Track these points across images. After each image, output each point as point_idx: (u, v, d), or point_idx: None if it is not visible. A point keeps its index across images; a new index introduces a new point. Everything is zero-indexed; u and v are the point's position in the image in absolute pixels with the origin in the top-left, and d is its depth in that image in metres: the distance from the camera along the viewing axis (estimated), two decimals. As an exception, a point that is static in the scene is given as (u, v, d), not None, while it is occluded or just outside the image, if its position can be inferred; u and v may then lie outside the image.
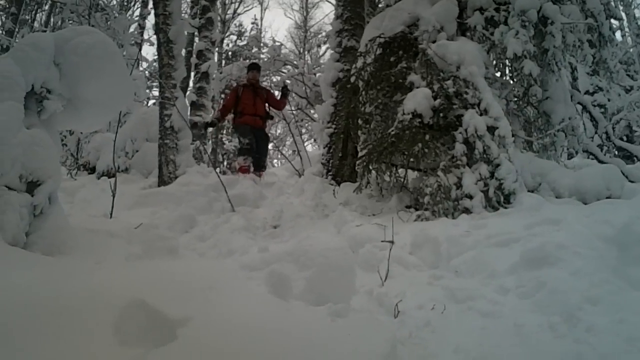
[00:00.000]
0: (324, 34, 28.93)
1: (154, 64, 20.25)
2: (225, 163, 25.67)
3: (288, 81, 13.63)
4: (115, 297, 1.98)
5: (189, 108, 10.87)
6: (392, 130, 5.91)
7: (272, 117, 10.22)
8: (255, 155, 9.22)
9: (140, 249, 3.93)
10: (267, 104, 9.77)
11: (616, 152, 10.76)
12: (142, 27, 20.98)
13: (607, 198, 5.45)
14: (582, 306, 2.63)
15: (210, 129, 12.59)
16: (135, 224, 5.03)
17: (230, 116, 9.87)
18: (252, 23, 36.96)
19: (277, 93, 11.55)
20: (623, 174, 6.06)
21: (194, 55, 12.30)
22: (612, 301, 2.65)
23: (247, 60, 23.03)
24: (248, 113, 9.32)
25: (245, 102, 9.34)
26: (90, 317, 1.83)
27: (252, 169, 9.17)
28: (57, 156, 3.88)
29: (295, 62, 16.97)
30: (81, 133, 13.56)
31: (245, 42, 33.10)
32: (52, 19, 20.47)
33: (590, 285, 2.81)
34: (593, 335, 2.41)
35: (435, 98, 5.82)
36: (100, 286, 2.13)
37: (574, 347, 2.35)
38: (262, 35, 34.39)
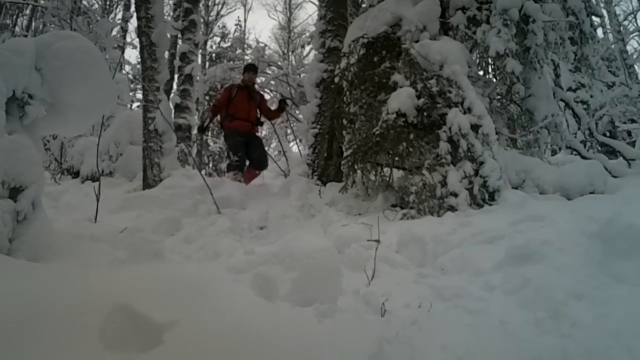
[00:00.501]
0: (307, 34, 28.94)
1: (137, 66, 20.21)
2: (210, 165, 25.64)
3: (288, 99, 13.51)
4: (100, 302, 1.97)
5: (173, 110, 10.83)
6: (377, 130, 5.93)
7: (262, 124, 9.61)
8: (253, 156, 8.74)
9: (125, 253, 3.91)
10: (258, 110, 9.10)
11: (599, 148, 10.84)
12: (124, 30, 20.90)
13: (590, 193, 5.50)
14: (567, 302, 2.64)
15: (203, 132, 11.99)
16: (120, 227, 5.02)
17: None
18: (236, 24, 36.97)
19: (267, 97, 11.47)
20: (606, 170, 6.12)
21: (177, 58, 12.24)
22: (596, 296, 2.67)
23: (231, 62, 23.01)
24: (240, 117, 8.62)
25: (238, 105, 8.64)
26: (75, 323, 1.81)
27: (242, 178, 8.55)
28: (40, 161, 3.85)
29: (279, 63, 16.95)
30: (65, 137, 13.49)
31: (229, 44, 33.07)
32: (33, 24, 20.34)
33: (575, 281, 2.83)
34: (578, 330, 2.42)
35: (419, 97, 5.84)
36: (84, 291, 2.12)
37: (559, 342, 2.37)
38: (245, 36, 34.39)
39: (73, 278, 2.56)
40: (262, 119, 9.34)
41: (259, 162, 8.81)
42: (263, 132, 20.35)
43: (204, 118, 9.11)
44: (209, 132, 26.77)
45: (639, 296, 2.61)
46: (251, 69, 9.24)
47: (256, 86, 9.71)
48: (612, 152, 9.08)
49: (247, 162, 8.80)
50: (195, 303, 2.09)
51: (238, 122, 8.61)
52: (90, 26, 16.33)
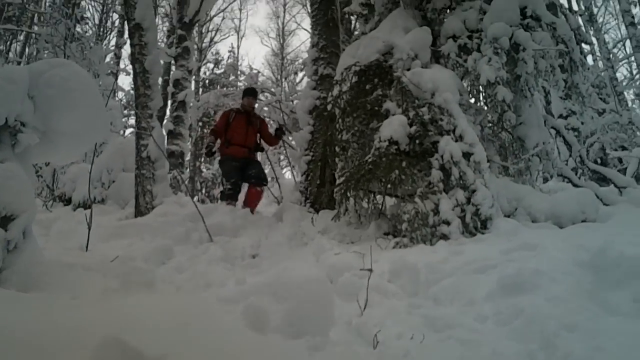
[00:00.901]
0: (300, 61, 29.19)
1: (131, 92, 20.27)
2: (203, 191, 25.62)
3: (284, 124, 13.44)
4: (90, 334, 1.95)
5: (166, 137, 10.85)
6: (369, 158, 5.95)
7: (262, 149, 9.05)
8: (251, 173, 8.21)
9: (116, 282, 3.88)
10: (258, 135, 8.68)
11: (591, 175, 10.90)
12: (118, 57, 21.04)
13: (582, 222, 5.52)
14: (559, 333, 2.63)
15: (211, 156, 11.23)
16: (111, 256, 4.98)
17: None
18: (229, 51, 37.23)
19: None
20: (597, 197, 6.14)
21: (171, 84, 12.30)
22: (588, 328, 2.66)
23: (225, 88, 23.05)
24: (236, 143, 8.25)
25: (235, 130, 8.28)
26: (65, 356, 1.79)
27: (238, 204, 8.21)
28: (31, 190, 3.84)
29: (272, 89, 17.03)
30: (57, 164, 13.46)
31: (222, 70, 33.26)
32: (27, 50, 20.45)
33: (567, 312, 2.82)
34: (570, 363, 2.42)
35: (411, 125, 5.87)
36: (75, 323, 2.10)
37: (552, 375, 2.36)
38: (239, 63, 34.60)
39: (63, 309, 2.54)
40: (262, 144, 8.91)
41: (258, 176, 8.31)
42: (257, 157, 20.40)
43: (208, 142, 8.51)
44: (201, 158, 26.74)
45: (631, 328, 2.61)
46: (250, 94, 8.85)
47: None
48: (603, 179, 9.13)
49: (246, 187, 8.45)
50: (186, 336, 2.07)
51: (234, 148, 8.24)
52: (84, 52, 16.40)
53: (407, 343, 2.91)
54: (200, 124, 23.62)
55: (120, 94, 22.65)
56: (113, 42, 23.37)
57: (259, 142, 8.69)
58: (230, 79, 29.01)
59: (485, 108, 6.92)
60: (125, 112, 23.75)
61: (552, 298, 3.01)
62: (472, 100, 7.08)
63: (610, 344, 2.47)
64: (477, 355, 2.64)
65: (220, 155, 8.63)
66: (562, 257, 3.65)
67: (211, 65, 34.82)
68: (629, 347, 2.44)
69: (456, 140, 5.67)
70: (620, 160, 17.57)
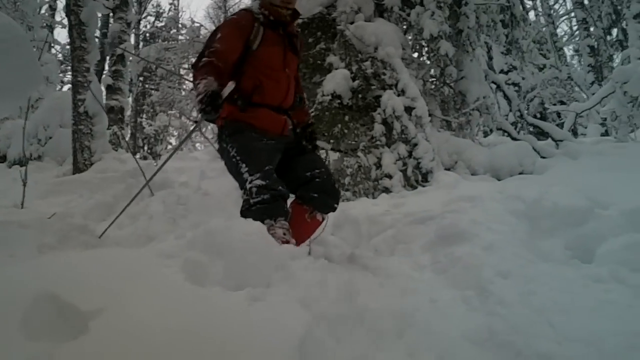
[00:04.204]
0: (243, 14, 28.60)
1: (67, 46, 19.60)
2: (145, 148, 25.13)
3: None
4: (23, 290, 1.90)
5: (105, 92, 10.57)
6: (312, 112, 5.93)
7: (305, 104, 3.80)
8: (313, 176, 3.40)
9: (53, 239, 3.80)
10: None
11: (530, 129, 11.15)
12: (53, 9, 20.18)
13: (520, 174, 5.67)
14: (494, 280, 2.72)
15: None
16: (48, 213, 4.88)
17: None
18: (170, 3, 36.14)
19: None
20: (535, 150, 6.30)
21: (109, 37, 11.93)
22: (522, 274, 2.75)
23: (166, 42, 22.44)
24: (269, 101, 3.34)
25: (267, 64, 3.32)
26: (-4, 313, 1.75)
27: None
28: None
29: (215, 44, 16.69)
30: (-10, 120, 12.98)
31: (163, 23, 32.35)
32: (-46, 0, 19.41)
33: (501, 260, 2.91)
34: (504, 307, 2.49)
35: (354, 79, 5.88)
36: (9, 280, 2.04)
37: (486, 319, 2.43)
38: (180, 15, 33.70)
39: (-4, 266, 2.47)
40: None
41: (325, 188, 3.43)
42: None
43: (212, 89, 2.92)
44: (143, 114, 26.07)
45: (562, 273, 2.72)
46: None
47: None
48: (542, 133, 9.37)
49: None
50: (124, 290, 2.04)
51: (264, 112, 3.34)
52: (17, 4, 15.69)
53: (348, 293, 2.95)
54: (141, 78, 23.02)
55: (56, 48, 21.88)
56: (48, -7, 22.41)
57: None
58: (172, 32, 28.30)
59: (428, 62, 6.96)
60: (62, 67, 22.96)
61: (488, 247, 3.10)
62: (415, 55, 7.11)
63: (543, 288, 2.56)
64: (416, 302, 2.71)
65: (227, 124, 3.42)
66: (498, 208, 3.75)
67: (152, 18, 33.82)
68: (559, 291, 2.53)
69: (398, 95, 5.71)
70: (558, 114, 18.02)
